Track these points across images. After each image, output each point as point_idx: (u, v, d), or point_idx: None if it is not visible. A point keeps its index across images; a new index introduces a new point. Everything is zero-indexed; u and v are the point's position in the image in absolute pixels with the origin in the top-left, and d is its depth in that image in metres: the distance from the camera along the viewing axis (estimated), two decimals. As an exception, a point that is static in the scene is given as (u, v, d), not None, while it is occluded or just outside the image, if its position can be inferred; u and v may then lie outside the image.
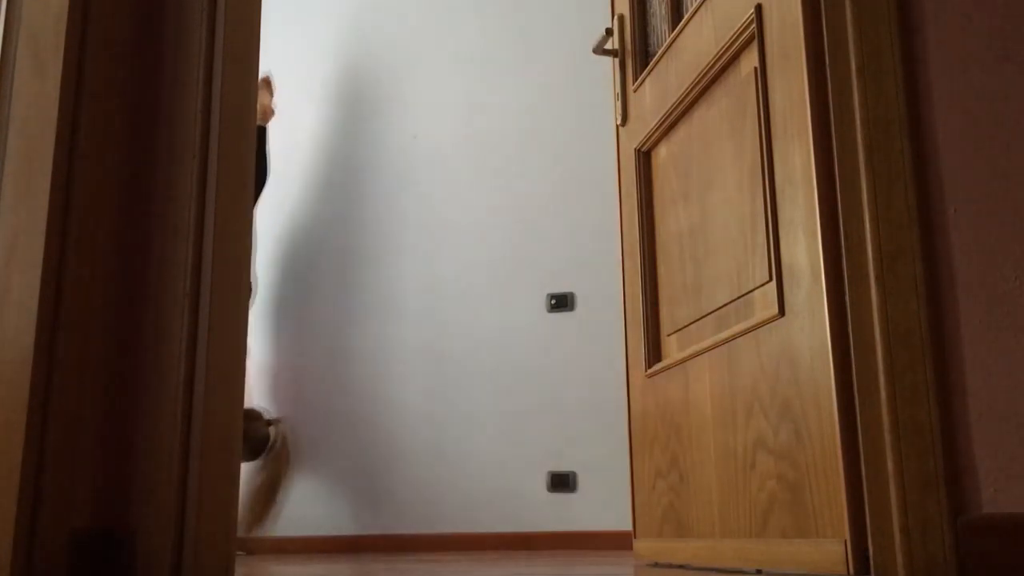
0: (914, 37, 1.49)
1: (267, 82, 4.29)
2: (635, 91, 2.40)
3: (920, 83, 1.47)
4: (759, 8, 1.79)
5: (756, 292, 1.78)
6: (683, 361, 2.06)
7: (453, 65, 4.36)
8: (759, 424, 1.72)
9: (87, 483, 1.40)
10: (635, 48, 2.44)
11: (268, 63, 4.63)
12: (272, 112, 4.26)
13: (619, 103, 2.47)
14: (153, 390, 1.45)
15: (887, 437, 1.38)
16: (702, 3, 2.03)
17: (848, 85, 1.50)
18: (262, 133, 4.15)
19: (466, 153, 4.27)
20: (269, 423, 3.83)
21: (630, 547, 2.37)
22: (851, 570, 1.40)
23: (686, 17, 2.11)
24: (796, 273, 1.61)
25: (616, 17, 2.53)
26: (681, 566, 2.04)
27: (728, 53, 1.91)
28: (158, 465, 1.41)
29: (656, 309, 2.26)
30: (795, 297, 1.62)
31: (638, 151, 2.36)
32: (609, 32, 2.55)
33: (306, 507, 4.04)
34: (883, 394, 1.39)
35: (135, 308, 1.49)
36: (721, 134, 1.95)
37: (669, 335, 2.19)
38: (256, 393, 4.07)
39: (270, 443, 3.85)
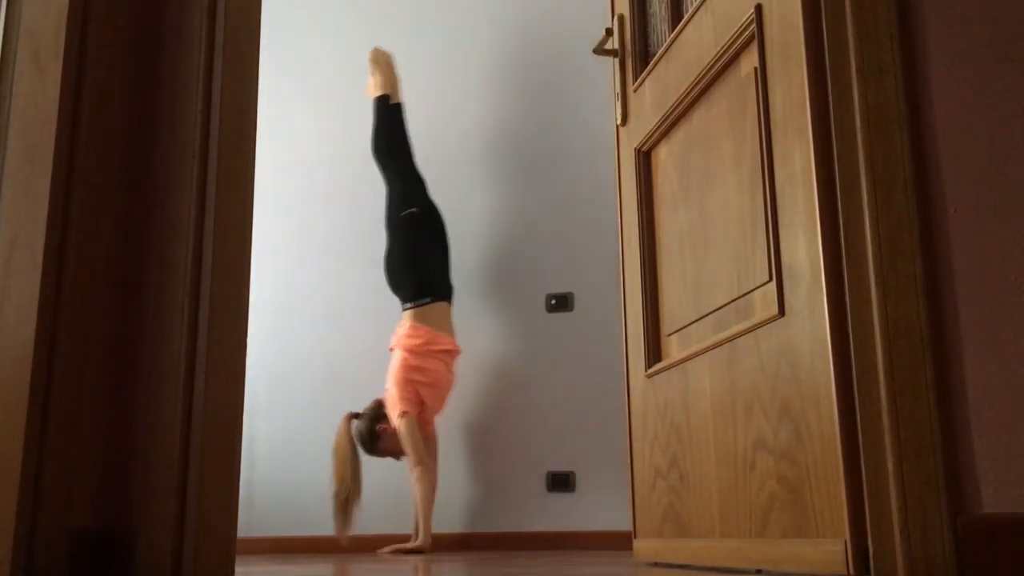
0: (914, 37, 1.49)
1: (378, 57, 4.04)
2: (635, 91, 2.40)
3: (920, 83, 1.47)
4: (759, 8, 1.79)
5: (756, 292, 1.78)
6: (683, 361, 2.06)
7: (452, 64, 4.36)
8: (759, 424, 1.72)
9: (87, 483, 1.40)
10: (635, 48, 2.44)
11: (267, 61, 4.63)
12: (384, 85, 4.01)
13: (619, 103, 2.47)
14: (153, 390, 1.45)
15: (887, 437, 1.38)
16: (702, 3, 2.03)
17: (848, 85, 1.50)
18: (391, 108, 3.98)
19: (465, 153, 4.27)
20: None
21: (630, 547, 2.37)
22: (851, 570, 1.40)
23: (686, 17, 2.11)
24: (796, 273, 1.61)
25: (616, 17, 2.54)
26: (681, 566, 2.04)
27: (728, 53, 1.90)
28: (158, 465, 1.41)
29: (656, 309, 2.26)
30: (795, 297, 1.62)
31: (638, 151, 2.36)
32: (609, 32, 2.55)
33: (306, 507, 4.04)
34: (883, 394, 1.39)
35: (135, 308, 1.49)
36: (721, 134, 1.95)
37: (669, 335, 2.19)
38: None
39: None
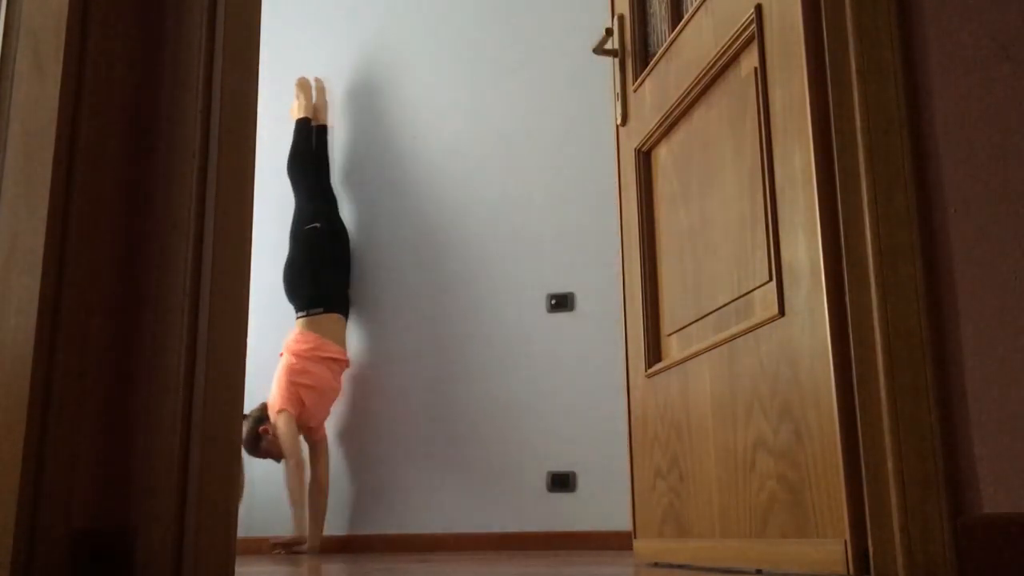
0: (914, 37, 1.49)
1: (303, 83, 4.41)
2: (635, 91, 2.40)
3: (920, 83, 1.47)
4: (759, 8, 1.79)
5: (756, 292, 1.78)
6: (683, 361, 2.06)
7: (453, 65, 4.36)
8: (759, 424, 1.72)
9: (87, 483, 1.40)
10: (635, 48, 2.44)
11: (268, 64, 4.63)
12: (314, 110, 4.37)
13: (619, 103, 2.47)
14: (153, 390, 1.45)
15: (887, 437, 1.38)
16: (702, 3, 2.03)
17: (848, 85, 1.50)
18: (309, 131, 4.34)
19: (466, 153, 4.27)
20: None
21: (630, 547, 2.37)
22: (851, 570, 1.40)
23: (686, 17, 2.11)
24: (796, 273, 1.61)
25: (616, 17, 2.54)
26: (681, 566, 2.04)
27: (728, 53, 1.90)
28: (158, 465, 1.41)
29: (656, 309, 2.26)
30: (795, 297, 1.62)
31: (638, 151, 2.36)
32: (609, 32, 2.55)
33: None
34: (883, 394, 1.39)
35: (135, 308, 1.49)
36: (721, 134, 1.95)
37: (669, 335, 2.19)
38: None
39: None
